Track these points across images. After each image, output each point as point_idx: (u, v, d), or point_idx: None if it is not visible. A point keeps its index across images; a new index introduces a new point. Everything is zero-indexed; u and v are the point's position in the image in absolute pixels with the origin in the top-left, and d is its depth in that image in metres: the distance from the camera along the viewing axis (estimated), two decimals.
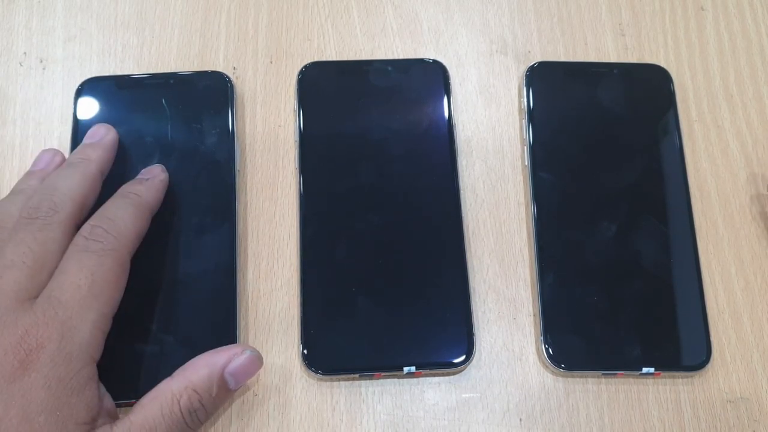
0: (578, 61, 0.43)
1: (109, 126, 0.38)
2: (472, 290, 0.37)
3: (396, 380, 0.36)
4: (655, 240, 0.38)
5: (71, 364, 0.29)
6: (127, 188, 0.36)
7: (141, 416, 0.30)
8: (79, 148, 0.37)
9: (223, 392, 0.32)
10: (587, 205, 0.39)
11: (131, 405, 0.35)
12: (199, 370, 0.31)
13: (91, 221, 0.33)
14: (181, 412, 0.30)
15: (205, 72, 0.41)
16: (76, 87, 0.40)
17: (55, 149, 0.38)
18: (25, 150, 0.40)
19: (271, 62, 0.43)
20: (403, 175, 0.39)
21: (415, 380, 0.37)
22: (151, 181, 0.36)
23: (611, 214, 0.39)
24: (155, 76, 0.41)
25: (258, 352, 0.33)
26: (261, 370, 0.36)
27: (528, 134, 0.41)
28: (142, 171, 0.37)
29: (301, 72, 0.41)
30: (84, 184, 0.34)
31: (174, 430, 0.30)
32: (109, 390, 0.34)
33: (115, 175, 0.38)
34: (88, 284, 0.30)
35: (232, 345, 0.33)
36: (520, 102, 0.42)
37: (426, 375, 0.36)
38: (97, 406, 0.30)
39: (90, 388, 0.30)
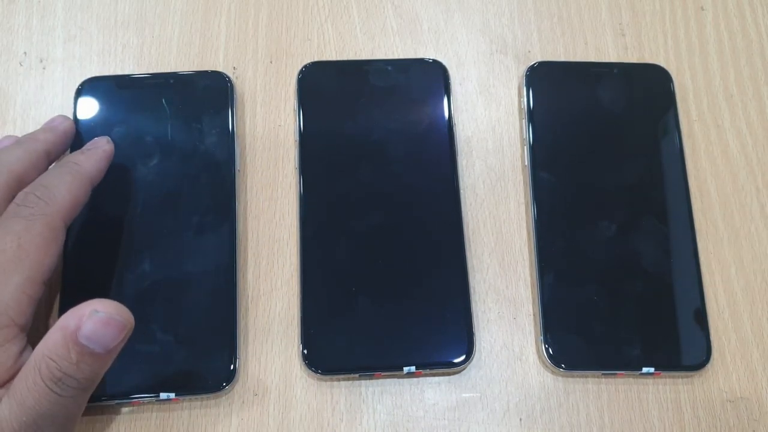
0: (578, 61, 0.43)
1: (67, 117, 0.39)
2: (472, 290, 0.37)
3: (396, 380, 0.36)
4: (655, 240, 0.38)
5: None
6: (67, 157, 0.36)
7: (13, 389, 0.29)
8: (31, 132, 0.38)
9: (89, 358, 0.28)
10: (587, 205, 0.39)
11: (131, 405, 0.35)
12: (54, 334, 0.28)
13: (26, 189, 0.33)
14: (44, 382, 0.28)
15: (205, 72, 0.41)
16: (76, 87, 0.40)
17: (15, 136, 0.38)
18: None
19: (271, 62, 0.43)
20: (403, 175, 0.39)
21: (415, 380, 0.37)
22: (93, 151, 0.36)
23: (611, 214, 0.39)
24: (155, 76, 0.41)
25: (117, 309, 0.29)
26: (261, 370, 0.36)
27: (528, 134, 0.41)
28: (89, 142, 0.37)
29: (301, 72, 0.41)
30: (25, 158, 0.34)
31: (44, 402, 0.28)
32: (108, 389, 0.34)
33: (116, 175, 0.38)
34: (13, 248, 0.30)
35: (86, 303, 0.29)
36: (520, 102, 0.42)
37: (426, 375, 0.36)
38: (9, 371, 0.30)
39: (4, 351, 0.30)
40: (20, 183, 0.34)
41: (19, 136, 0.39)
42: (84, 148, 0.37)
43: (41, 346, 0.29)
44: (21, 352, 0.30)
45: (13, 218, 0.32)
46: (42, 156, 0.36)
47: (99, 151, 0.36)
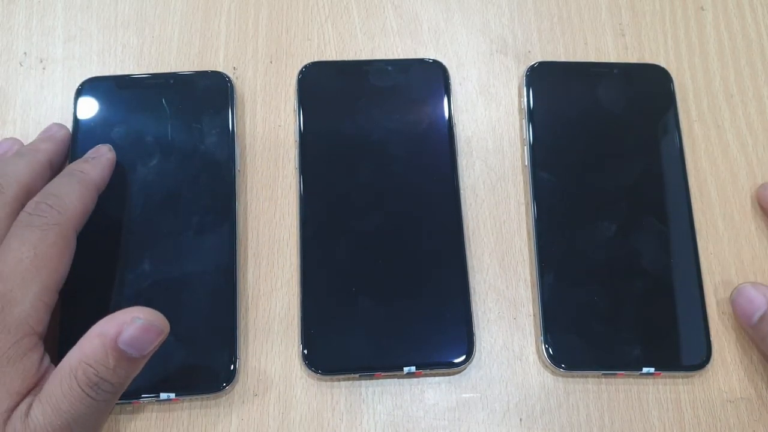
0: (578, 61, 0.43)
1: (63, 124, 0.39)
2: (472, 290, 0.37)
3: (396, 380, 0.36)
4: (655, 240, 0.38)
5: (9, 335, 0.30)
6: (73, 166, 0.36)
7: (46, 395, 0.29)
8: (30, 142, 0.38)
9: (125, 363, 0.30)
10: (587, 205, 0.39)
11: (131, 405, 0.35)
12: (92, 341, 0.29)
13: (36, 198, 0.33)
14: (80, 387, 0.29)
15: (205, 72, 0.41)
16: (76, 87, 0.40)
17: (14, 138, 0.39)
18: None
19: (271, 62, 0.43)
20: (403, 175, 0.39)
21: (415, 380, 0.37)
22: (97, 160, 0.37)
23: (611, 214, 0.39)
24: (155, 76, 0.41)
25: (156, 316, 0.30)
26: (261, 370, 0.36)
27: (528, 134, 0.41)
28: (90, 150, 0.38)
29: (301, 72, 0.41)
30: (30, 169, 0.35)
31: (79, 406, 0.29)
32: None
33: (117, 176, 0.38)
34: (30, 258, 0.31)
35: (125, 311, 0.30)
36: (520, 102, 0.42)
37: (426, 375, 0.36)
38: (34, 377, 0.30)
39: (28, 359, 0.30)
40: (28, 194, 0.34)
41: (20, 137, 0.39)
42: (87, 155, 0.37)
43: (76, 352, 0.29)
44: (41, 359, 0.31)
45: (27, 227, 0.32)
46: (46, 166, 0.36)
47: (103, 159, 0.37)
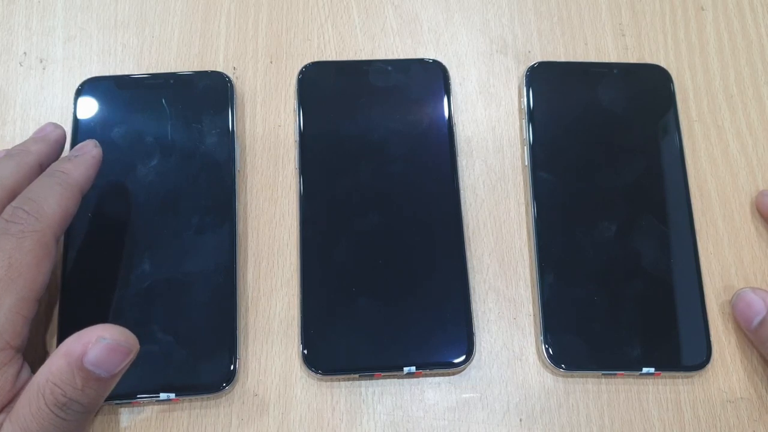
0: (578, 61, 0.43)
1: (58, 124, 0.37)
2: (472, 290, 0.37)
3: (396, 380, 0.36)
4: (655, 240, 0.38)
5: None
6: (54, 166, 0.34)
7: (15, 415, 0.28)
8: (22, 141, 0.36)
9: (94, 383, 0.28)
10: (587, 205, 0.39)
11: (131, 405, 0.35)
12: (58, 360, 0.28)
13: (14, 203, 0.32)
14: (48, 408, 0.28)
15: (205, 72, 0.41)
16: (76, 87, 0.40)
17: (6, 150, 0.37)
18: None
19: (271, 62, 0.43)
20: (403, 175, 0.39)
21: (415, 380, 0.37)
22: (81, 158, 0.34)
23: (611, 214, 0.39)
24: (155, 76, 0.41)
25: (123, 335, 0.29)
26: (261, 370, 0.36)
27: (528, 134, 0.41)
28: (75, 147, 0.35)
29: (301, 72, 0.41)
30: (17, 172, 0.33)
31: (49, 427, 0.28)
32: None
33: (117, 176, 0.38)
34: (5, 268, 0.30)
35: (91, 329, 0.28)
36: (520, 102, 0.42)
37: (426, 375, 0.36)
38: (9, 393, 0.29)
39: (2, 375, 0.29)
40: (13, 198, 0.32)
41: (20, 137, 0.39)
42: (71, 153, 0.35)
43: (44, 371, 0.28)
44: (18, 374, 0.30)
45: (3, 235, 0.30)
46: (35, 168, 0.34)
47: (87, 157, 0.34)
